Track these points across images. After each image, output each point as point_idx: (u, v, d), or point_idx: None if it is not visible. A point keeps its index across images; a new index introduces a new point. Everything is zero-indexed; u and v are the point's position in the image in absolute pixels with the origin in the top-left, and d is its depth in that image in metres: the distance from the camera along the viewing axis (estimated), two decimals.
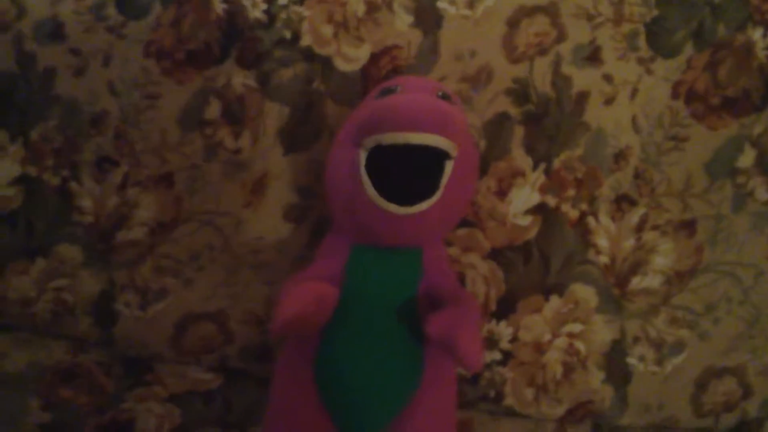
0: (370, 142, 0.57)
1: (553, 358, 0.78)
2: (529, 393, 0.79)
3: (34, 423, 0.74)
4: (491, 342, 0.78)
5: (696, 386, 0.79)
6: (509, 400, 0.79)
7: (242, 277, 0.79)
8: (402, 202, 0.57)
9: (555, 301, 0.77)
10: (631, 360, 0.79)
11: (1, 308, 0.84)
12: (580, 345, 0.78)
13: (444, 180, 0.57)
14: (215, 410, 0.78)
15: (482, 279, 0.77)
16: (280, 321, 0.55)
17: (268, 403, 0.67)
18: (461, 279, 0.77)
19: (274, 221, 0.77)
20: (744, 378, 0.79)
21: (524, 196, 0.75)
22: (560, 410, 0.79)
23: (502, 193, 0.75)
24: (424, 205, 0.57)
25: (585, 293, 0.77)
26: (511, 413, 0.80)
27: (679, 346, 0.78)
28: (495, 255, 0.77)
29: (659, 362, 0.79)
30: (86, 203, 0.79)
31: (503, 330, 0.78)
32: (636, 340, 0.78)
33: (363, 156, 0.57)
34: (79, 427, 0.74)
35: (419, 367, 0.64)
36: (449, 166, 0.57)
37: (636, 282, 0.77)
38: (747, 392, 0.80)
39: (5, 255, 0.82)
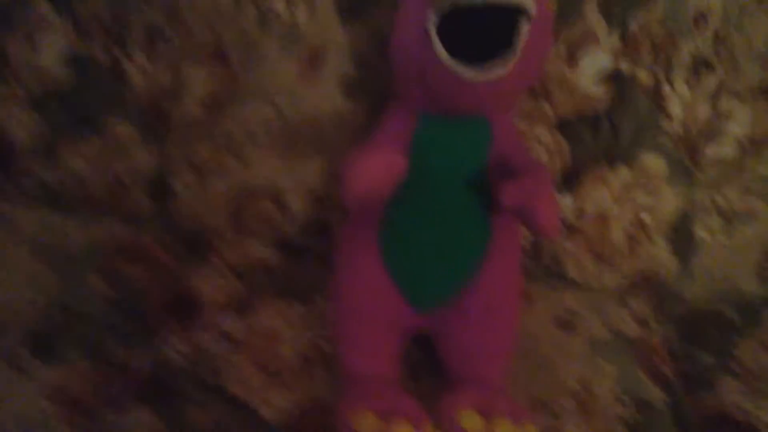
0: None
1: (618, 230, 0.77)
2: (591, 265, 0.78)
3: (100, 299, 0.75)
4: None
5: (764, 255, 0.78)
6: (571, 273, 0.79)
7: (299, 153, 0.78)
8: (476, 65, 0.54)
9: (623, 172, 0.75)
10: (699, 231, 0.77)
11: (58, 189, 0.84)
12: (646, 216, 0.77)
13: (521, 41, 0.53)
14: (277, 284, 0.78)
15: (547, 151, 0.75)
16: (351, 192, 0.54)
17: (334, 275, 0.67)
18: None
19: (331, 96, 0.75)
20: None
21: (597, 63, 0.71)
22: (623, 282, 0.79)
23: (572, 60, 0.72)
24: (499, 69, 0.53)
25: (655, 163, 0.75)
26: (572, 285, 0.80)
27: (749, 216, 0.77)
28: (562, 126, 0.74)
29: (727, 233, 0.77)
30: (138, 80, 0.77)
31: (567, 203, 0.76)
32: (705, 210, 0.77)
33: (434, 17, 0.54)
34: (144, 302, 0.75)
35: (486, 238, 0.63)
36: (526, 26, 0.53)
37: (709, 151, 0.74)
38: None
39: (59, 135, 0.81)
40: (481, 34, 0.53)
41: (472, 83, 0.54)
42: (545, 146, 0.75)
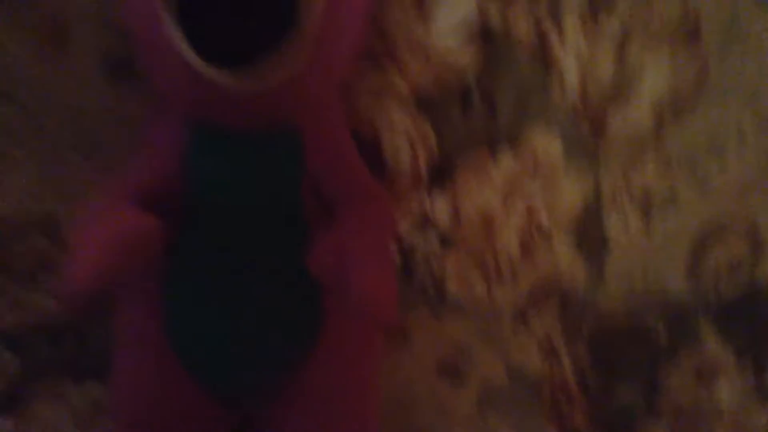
0: None
1: (508, 235, 0.58)
2: (478, 283, 0.59)
3: None
4: (424, 223, 0.57)
5: (692, 249, 0.61)
6: (454, 295, 0.60)
7: (67, 165, 0.54)
8: (236, 62, 0.33)
9: (507, 159, 0.56)
10: (610, 225, 0.59)
11: None
12: (541, 214, 0.58)
13: (306, 18, 0.33)
14: (66, 353, 0.56)
15: (405, 139, 0.54)
16: (70, 288, 0.33)
17: (113, 373, 0.46)
18: (375, 143, 0.54)
19: (88, 79, 0.51)
20: (754, 235, 0.61)
21: (457, 13, 0.51)
22: (519, 299, 0.60)
23: (422, 11, 0.51)
24: (276, 70, 0.34)
25: (547, 143, 0.56)
26: (457, 311, 0.61)
27: (671, 201, 0.59)
28: (421, 104, 0.53)
29: (645, 223, 0.59)
30: None
31: (439, 206, 0.56)
32: (615, 197, 0.58)
33: None
34: None
35: (316, 301, 0.44)
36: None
37: (616, 118, 0.56)
38: (757, 253, 0.61)
39: None
40: (249, 12, 0.33)
41: (235, 89, 0.34)
42: (404, 134, 0.54)
